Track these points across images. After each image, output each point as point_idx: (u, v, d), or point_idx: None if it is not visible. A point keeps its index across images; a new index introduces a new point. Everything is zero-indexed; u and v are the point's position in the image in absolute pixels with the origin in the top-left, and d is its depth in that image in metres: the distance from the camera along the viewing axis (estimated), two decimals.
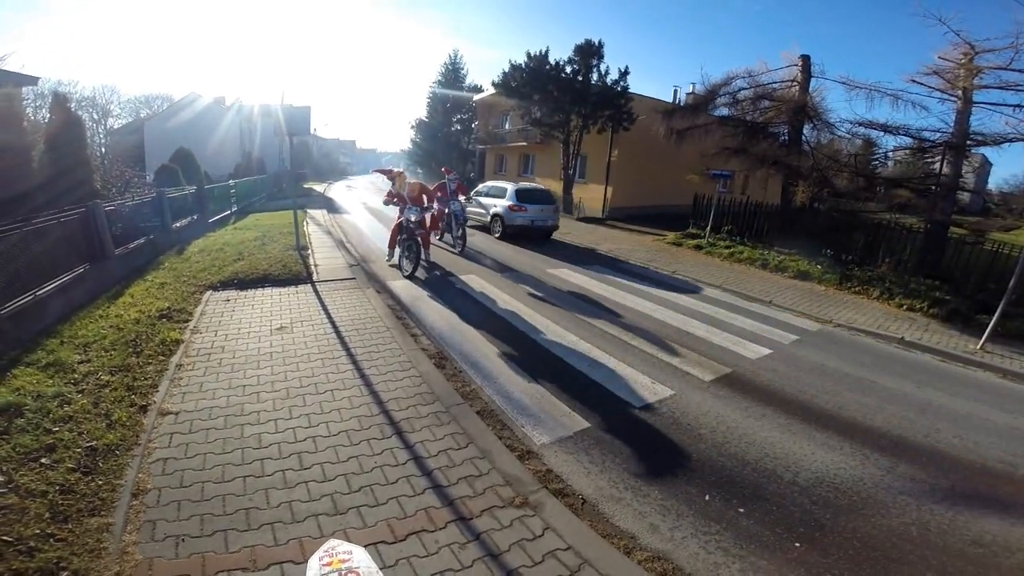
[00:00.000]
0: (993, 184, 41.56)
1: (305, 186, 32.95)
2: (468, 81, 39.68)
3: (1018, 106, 9.84)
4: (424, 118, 39.93)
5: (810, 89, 13.02)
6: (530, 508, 3.01)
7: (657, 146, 15.47)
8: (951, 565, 2.93)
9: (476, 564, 2.57)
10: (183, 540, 2.57)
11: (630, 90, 19.31)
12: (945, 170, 11.27)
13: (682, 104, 17.91)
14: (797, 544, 3.00)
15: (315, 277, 7.93)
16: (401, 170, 10.34)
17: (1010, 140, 10.23)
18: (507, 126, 28.41)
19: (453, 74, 39.31)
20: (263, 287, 7.24)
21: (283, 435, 3.57)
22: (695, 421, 4.35)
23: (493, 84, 22.22)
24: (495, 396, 4.50)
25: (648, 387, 4.90)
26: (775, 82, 13.50)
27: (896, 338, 7.20)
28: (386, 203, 9.21)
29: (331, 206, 20.91)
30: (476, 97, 32.58)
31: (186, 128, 30.82)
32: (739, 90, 13.92)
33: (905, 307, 8.86)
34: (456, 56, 39.57)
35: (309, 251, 9.84)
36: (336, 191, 32.16)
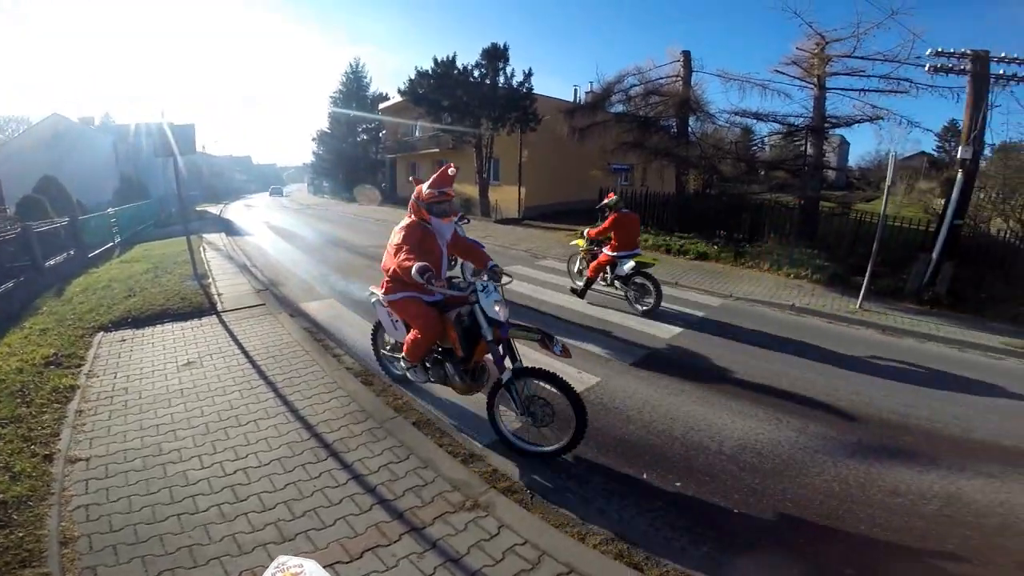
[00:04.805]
0: (852, 162, 47.37)
1: (198, 209, 30.40)
2: (373, 89, 38.81)
3: (863, 91, 11.36)
4: (327, 129, 38.41)
5: (692, 83, 14.03)
6: (482, 509, 3.02)
7: (563, 144, 16.02)
8: (878, 516, 3.13)
9: (438, 571, 2.54)
10: None
11: (535, 91, 19.82)
12: (810, 151, 12.72)
13: (582, 103, 18.70)
14: (736, 511, 3.16)
15: (220, 307, 7.35)
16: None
17: (859, 121, 11.79)
18: (417, 133, 28.00)
19: (355, 83, 38.17)
20: (162, 323, 6.61)
21: (210, 470, 3.33)
22: (623, 404, 4.57)
23: (399, 92, 21.75)
24: (429, 405, 4.45)
25: (576, 377, 5.05)
26: (662, 78, 14.42)
27: (788, 305, 8.02)
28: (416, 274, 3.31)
29: (230, 228, 19.46)
30: (382, 106, 31.81)
31: (50, 153, 27.37)
32: (631, 87, 14.75)
33: (792, 276, 9.89)
34: (358, 64, 38.56)
35: (210, 279, 9.10)
36: (234, 211, 30.02)
